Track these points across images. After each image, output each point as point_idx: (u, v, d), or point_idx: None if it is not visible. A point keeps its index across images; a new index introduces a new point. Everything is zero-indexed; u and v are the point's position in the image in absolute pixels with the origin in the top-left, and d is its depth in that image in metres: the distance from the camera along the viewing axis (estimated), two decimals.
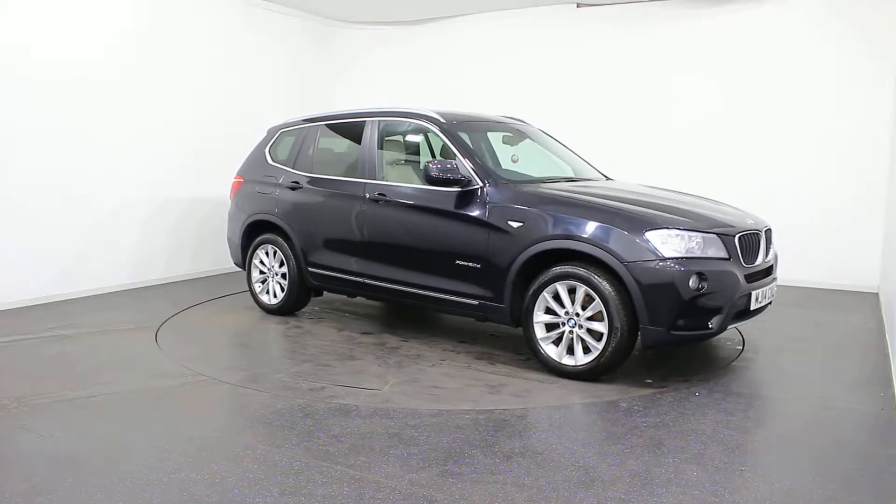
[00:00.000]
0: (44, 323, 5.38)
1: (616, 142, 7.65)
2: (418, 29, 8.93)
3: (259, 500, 2.67)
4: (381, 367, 4.46)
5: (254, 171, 6.02)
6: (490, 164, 5.05)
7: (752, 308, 4.18)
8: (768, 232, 4.56)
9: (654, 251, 3.88)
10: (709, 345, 4.92)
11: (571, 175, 5.28)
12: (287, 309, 5.81)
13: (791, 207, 7.00)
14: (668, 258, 3.86)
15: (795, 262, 6.78)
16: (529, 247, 4.23)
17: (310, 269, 5.55)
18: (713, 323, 3.97)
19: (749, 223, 4.37)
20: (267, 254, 5.87)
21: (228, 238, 6.26)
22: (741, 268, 4.09)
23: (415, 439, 3.26)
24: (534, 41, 8.22)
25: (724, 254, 4.03)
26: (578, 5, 7.94)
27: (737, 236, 4.13)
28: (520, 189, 4.52)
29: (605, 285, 3.95)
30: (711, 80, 7.45)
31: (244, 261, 6.09)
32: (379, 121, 5.30)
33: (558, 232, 4.15)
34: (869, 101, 6.73)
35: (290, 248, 5.66)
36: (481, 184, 4.52)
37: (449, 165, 4.56)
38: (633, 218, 4.04)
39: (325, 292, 5.81)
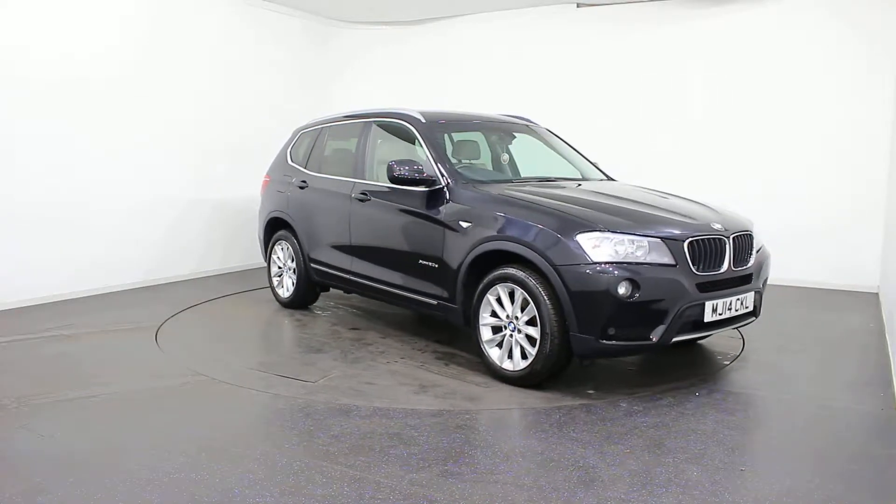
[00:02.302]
0: (44, 323, 5.38)
1: (616, 142, 7.64)
2: (418, 29, 8.92)
3: (259, 500, 2.67)
4: (336, 360, 4.54)
5: (277, 171, 6.27)
6: (463, 164, 4.98)
7: (707, 320, 3.84)
8: (743, 237, 4.16)
9: (583, 254, 3.68)
10: (708, 345, 4.92)
11: (568, 175, 5.24)
12: (298, 303, 5.98)
13: (791, 207, 7.00)
14: (599, 262, 3.65)
15: (795, 262, 6.79)
16: (476, 247, 4.15)
17: (311, 264, 5.68)
18: (655, 334, 3.71)
19: (715, 227, 3.99)
20: (282, 249, 6.07)
21: (258, 234, 6.52)
22: (691, 275, 3.79)
23: (415, 439, 3.26)
24: (534, 41, 8.22)
25: (668, 259, 3.75)
26: (578, 5, 7.94)
27: (686, 241, 3.81)
28: (477, 189, 4.44)
29: (539, 289, 3.79)
30: (711, 80, 7.44)
31: (266, 256, 6.32)
32: (371, 122, 5.40)
33: (498, 233, 4.05)
34: (869, 101, 6.72)
35: (298, 244, 5.82)
36: (443, 183, 4.50)
37: (412, 165, 4.54)
38: (566, 220, 3.85)
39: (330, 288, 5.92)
